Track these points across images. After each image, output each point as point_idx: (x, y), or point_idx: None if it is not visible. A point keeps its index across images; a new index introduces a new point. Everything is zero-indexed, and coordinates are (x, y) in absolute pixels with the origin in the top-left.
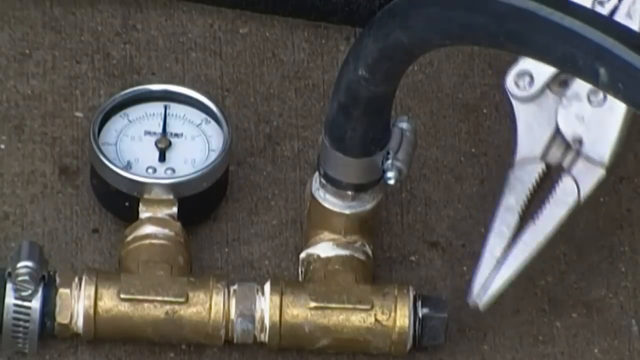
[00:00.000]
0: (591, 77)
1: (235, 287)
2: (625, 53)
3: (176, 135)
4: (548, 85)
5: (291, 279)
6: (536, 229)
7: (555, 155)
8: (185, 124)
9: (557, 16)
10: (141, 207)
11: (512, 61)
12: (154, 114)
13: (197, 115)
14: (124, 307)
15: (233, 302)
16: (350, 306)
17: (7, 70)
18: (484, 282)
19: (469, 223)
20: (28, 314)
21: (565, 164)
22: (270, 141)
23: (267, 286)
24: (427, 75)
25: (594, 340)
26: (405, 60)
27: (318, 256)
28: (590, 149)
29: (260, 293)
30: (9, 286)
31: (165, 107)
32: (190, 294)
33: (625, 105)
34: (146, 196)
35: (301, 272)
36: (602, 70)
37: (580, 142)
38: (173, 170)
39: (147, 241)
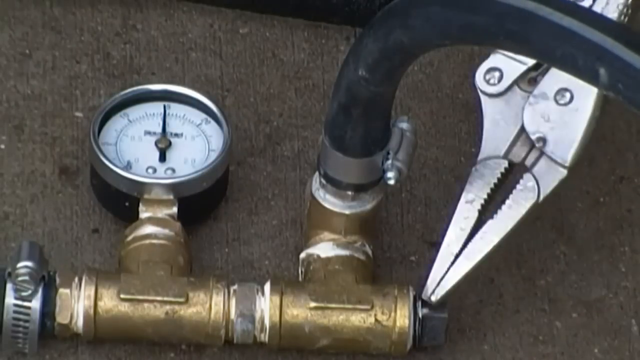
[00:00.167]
0: (591, 78)
1: (235, 287)
2: (625, 53)
3: (176, 135)
4: (517, 83)
5: (291, 279)
6: (494, 226)
7: (518, 153)
8: (185, 124)
9: (557, 16)
10: (141, 207)
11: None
12: (154, 114)
13: (197, 115)
14: (124, 307)
15: (233, 302)
16: (350, 306)
17: (7, 70)
18: (440, 277)
19: None
20: (28, 314)
21: (528, 162)
22: (270, 141)
23: (267, 286)
24: (427, 75)
25: (594, 340)
26: (405, 60)
27: (318, 256)
28: (553, 148)
29: (260, 293)
30: (9, 286)
31: (165, 107)
32: (190, 294)
33: (591, 107)
34: (146, 196)
35: (301, 272)
36: (602, 71)
37: (544, 141)
38: (173, 170)
39: (147, 241)
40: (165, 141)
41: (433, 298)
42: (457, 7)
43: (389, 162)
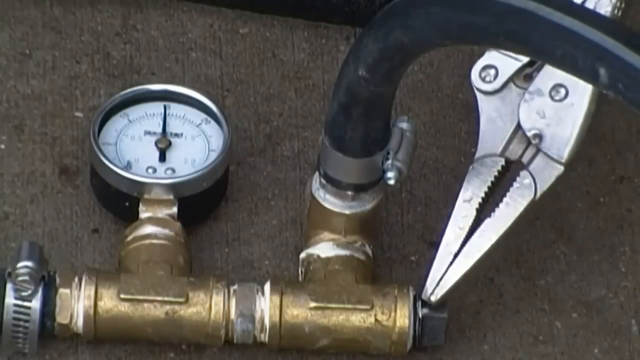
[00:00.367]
0: (591, 78)
1: (235, 287)
2: (625, 53)
3: (176, 135)
4: (512, 80)
5: (291, 279)
6: (492, 224)
7: (515, 150)
8: (185, 124)
9: (557, 16)
10: (141, 207)
11: None
12: (154, 114)
13: (197, 115)
14: (124, 307)
15: (233, 302)
16: (350, 306)
17: (7, 70)
18: (439, 277)
19: None
20: (28, 314)
21: (525, 159)
22: (270, 141)
23: (267, 286)
24: (427, 75)
25: (594, 340)
26: (405, 60)
27: (318, 256)
28: (550, 145)
29: (260, 293)
30: (9, 286)
31: (165, 107)
32: (190, 294)
33: (587, 103)
34: (146, 196)
35: (301, 272)
36: (602, 71)
37: (540, 137)
38: (173, 170)
39: (147, 241)
40: (165, 141)
41: (433, 298)
42: (457, 7)
43: (389, 162)
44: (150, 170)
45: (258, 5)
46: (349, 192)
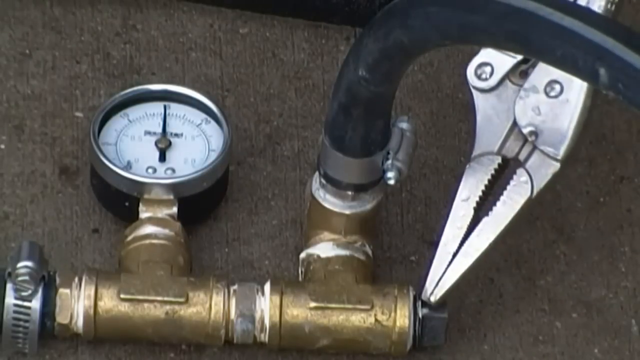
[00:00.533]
0: (591, 78)
1: (235, 287)
2: (625, 53)
3: (176, 135)
4: (508, 77)
5: (291, 279)
6: (490, 223)
7: (512, 147)
8: (185, 124)
9: (557, 16)
10: (141, 207)
11: None
12: (154, 114)
13: (197, 115)
14: (124, 307)
15: (233, 302)
16: (350, 306)
17: (7, 70)
18: (439, 277)
19: None
20: (28, 314)
21: (522, 157)
22: (270, 141)
23: (267, 286)
24: (427, 75)
25: (594, 340)
26: (405, 60)
27: (318, 256)
28: (546, 142)
29: (260, 293)
30: (9, 286)
31: (165, 107)
32: (190, 294)
33: (582, 98)
34: (146, 196)
35: (301, 272)
36: (602, 71)
37: (536, 134)
38: (173, 170)
39: (147, 241)
40: (165, 141)
41: (432, 298)
42: (457, 7)
43: (389, 162)
44: (150, 170)
45: (258, 5)
46: (349, 192)
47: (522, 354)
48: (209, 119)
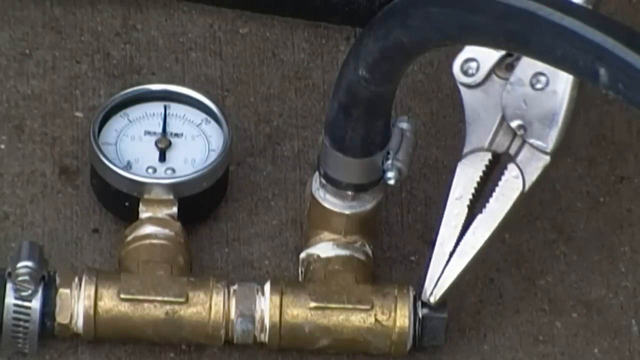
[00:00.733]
0: (591, 78)
1: (235, 287)
2: (625, 53)
3: (176, 135)
4: (494, 71)
5: (291, 279)
6: (484, 220)
7: (502, 142)
8: (185, 124)
9: (557, 16)
10: (141, 207)
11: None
12: (154, 114)
13: (197, 115)
14: (124, 307)
15: (233, 302)
16: (350, 306)
17: (7, 70)
18: (437, 278)
19: None
20: (28, 314)
21: (512, 151)
22: (270, 141)
23: (267, 286)
24: (427, 75)
25: (594, 340)
26: (405, 60)
27: (318, 256)
28: (534, 135)
29: (260, 293)
30: (9, 286)
31: (165, 107)
32: (190, 294)
33: (568, 89)
34: (146, 196)
35: (301, 272)
36: (602, 71)
37: (524, 128)
38: (173, 170)
39: (147, 241)
40: (165, 141)
41: (432, 299)
42: (457, 7)
43: (389, 162)
44: (150, 170)
45: (258, 5)
46: (349, 192)
47: (522, 354)
48: (209, 119)
